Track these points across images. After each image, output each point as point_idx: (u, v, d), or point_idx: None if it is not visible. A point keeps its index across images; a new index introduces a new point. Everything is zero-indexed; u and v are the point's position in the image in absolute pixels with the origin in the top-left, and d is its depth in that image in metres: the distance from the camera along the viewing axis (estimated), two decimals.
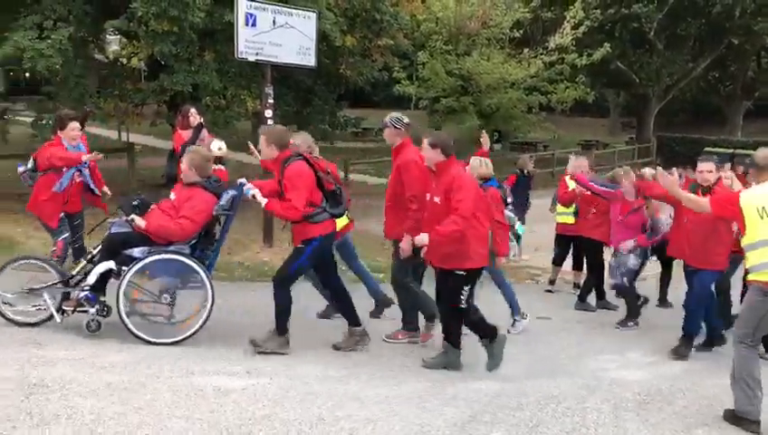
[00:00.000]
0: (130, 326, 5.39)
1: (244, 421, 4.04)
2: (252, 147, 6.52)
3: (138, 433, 3.77)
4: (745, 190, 5.13)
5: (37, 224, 7.40)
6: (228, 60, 12.72)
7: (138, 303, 5.63)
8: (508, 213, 7.14)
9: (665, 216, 7.33)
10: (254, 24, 9.78)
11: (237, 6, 9.52)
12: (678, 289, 7.40)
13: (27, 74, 14.50)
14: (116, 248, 5.51)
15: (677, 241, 6.58)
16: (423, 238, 5.26)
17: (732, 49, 30.61)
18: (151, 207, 5.69)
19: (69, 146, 6.66)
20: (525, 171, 11.56)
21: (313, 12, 10.88)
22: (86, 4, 12.72)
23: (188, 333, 5.52)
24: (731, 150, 19.12)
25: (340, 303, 6.02)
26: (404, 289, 6.22)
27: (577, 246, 8.97)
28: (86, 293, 5.44)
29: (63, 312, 5.55)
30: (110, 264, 5.46)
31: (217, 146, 7.13)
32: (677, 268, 7.39)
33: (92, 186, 6.90)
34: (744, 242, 4.83)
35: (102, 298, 5.50)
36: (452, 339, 5.63)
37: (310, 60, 10.60)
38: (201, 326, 5.55)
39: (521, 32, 22.59)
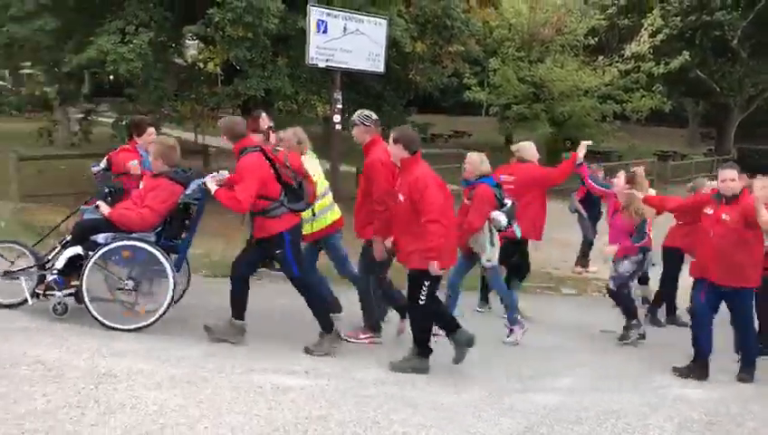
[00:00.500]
0: (93, 311, 5.46)
1: (300, 420, 4.09)
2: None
3: (197, 426, 3.87)
4: None
5: None
6: (300, 65, 12.93)
7: (102, 288, 5.71)
8: (495, 214, 6.38)
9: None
10: (325, 31, 9.94)
11: (309, 13, 9.67)
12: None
13: (111, 77, 15.04)
14: (85, 234, 5.68)
15: (702, 259, 6.05)
16: (434, 267, 5.08)
17: None
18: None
19: (143, 152, 6.54)
20: None
21: (384, 18, 10.95)
22: (167, 11, 13.17)
23: (148, 322, 5.49)
24: None
25: (308, 300, 5.73)
26: (366, 292, 6.11)
27: None
28: (54, 276, 5.60)
29: (37, 295, 5.70)
30: (78, 249, 5.64)
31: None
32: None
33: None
34: None
35: (74, 282, 5.58)
36: (419, 341, 5.44)
37: (379, 66, 10.70)
38: (161, 316, 5.50)
39: (596, 39, 22.15)
